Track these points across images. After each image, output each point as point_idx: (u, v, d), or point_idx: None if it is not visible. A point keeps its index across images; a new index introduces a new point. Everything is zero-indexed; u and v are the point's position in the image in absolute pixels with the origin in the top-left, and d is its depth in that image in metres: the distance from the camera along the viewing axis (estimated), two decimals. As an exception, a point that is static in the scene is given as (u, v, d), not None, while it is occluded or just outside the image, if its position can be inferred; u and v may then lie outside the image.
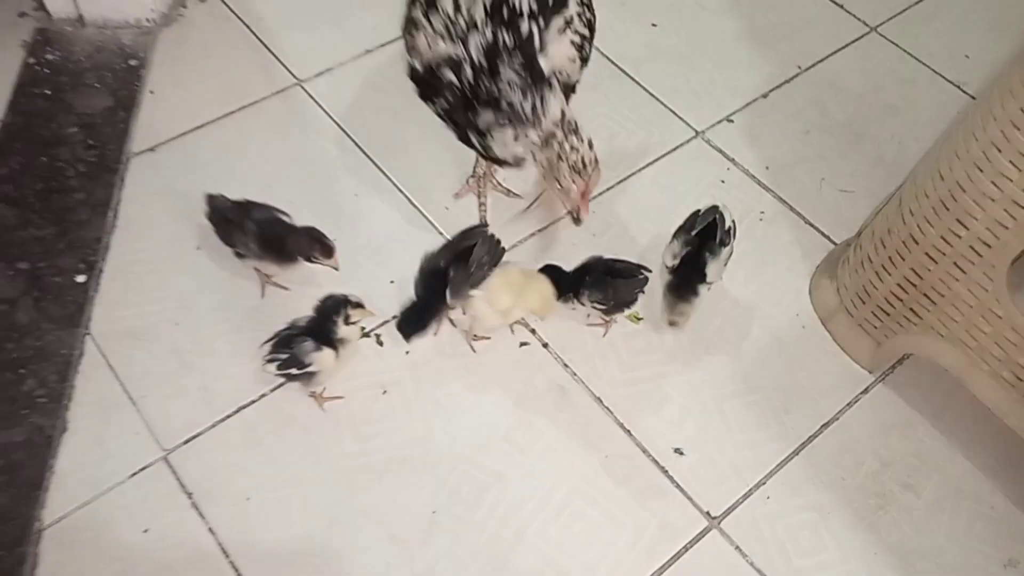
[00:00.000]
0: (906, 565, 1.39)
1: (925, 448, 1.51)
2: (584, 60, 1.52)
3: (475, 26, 1.38)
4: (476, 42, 1.38)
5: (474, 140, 1.46)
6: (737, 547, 1.39)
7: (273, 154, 1.79)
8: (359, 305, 1.42)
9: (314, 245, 1.49)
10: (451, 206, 1.75)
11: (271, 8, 2.05)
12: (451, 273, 1.44)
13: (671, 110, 1.96)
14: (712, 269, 1.52)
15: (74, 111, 1.83)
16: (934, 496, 1.47)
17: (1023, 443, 1.43)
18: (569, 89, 1.51)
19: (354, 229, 1.69)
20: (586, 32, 1.50)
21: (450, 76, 1.40)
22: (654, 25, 2.14)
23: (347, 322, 1.41)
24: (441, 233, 1.71)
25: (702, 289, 1.53)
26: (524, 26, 1.39)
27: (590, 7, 1.53)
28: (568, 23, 1.45)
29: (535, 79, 1.39)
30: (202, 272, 1.61)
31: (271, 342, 1.40)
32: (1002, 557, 1.41)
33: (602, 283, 1.50)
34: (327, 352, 1.39)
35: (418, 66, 1.44)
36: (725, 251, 1.56)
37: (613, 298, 1.51)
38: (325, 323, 1.40)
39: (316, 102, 1.89)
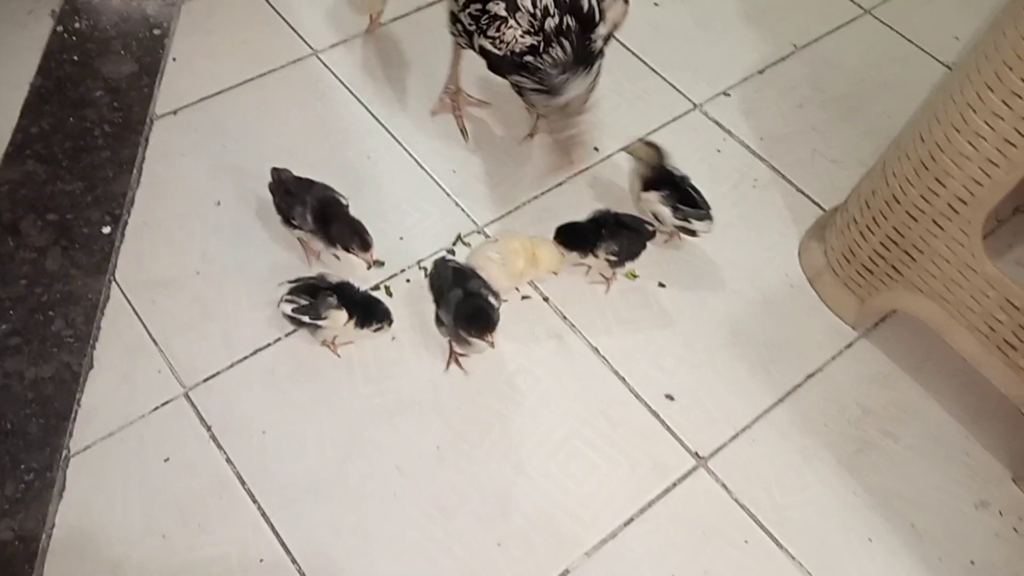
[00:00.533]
0: (884, 504, 1.47)
1: (905, 398, 1.59)
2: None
3: (549, 13, 1.52)
4: (550, 25, 1.52)
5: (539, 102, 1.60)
6: (723, 484, 1.48)
7: (290, 119, 1.88)
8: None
9: (354, 238, 1.56)
10: (457, 169, 1.83)
11: (289, -18, 2.14)
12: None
13: (671, 84, 2.05)
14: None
15: (101, 76, 1.91)
16: (912, 442, 1.55)
17: (998, 393, 1.51)
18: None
19: (366, 189, 1.78)
20: None
21: (530, 59, 1.54)
22: (656, 4, 2.22)
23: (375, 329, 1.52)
24: (448, 194, 1.79)
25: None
26: (584, 4, 1.54)
27: None
28: None
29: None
30: (223, 227, 1.70)
31: (294, 283, 1.48)
32: (974, 499, 1.49)
33: (617, 235, 1.59)
34: (343, 313, 1.47)
35: (498, 52, 1.56)
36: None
37: (626, 249, 1.60)
38: (363, 302, 1.51)
39: (331, 71, 1.97)
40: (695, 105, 2.01)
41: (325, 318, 1.46)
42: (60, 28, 2.00)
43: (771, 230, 1.81)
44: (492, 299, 1.50)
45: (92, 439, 1.44)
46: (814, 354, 1.64)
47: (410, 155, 1.85)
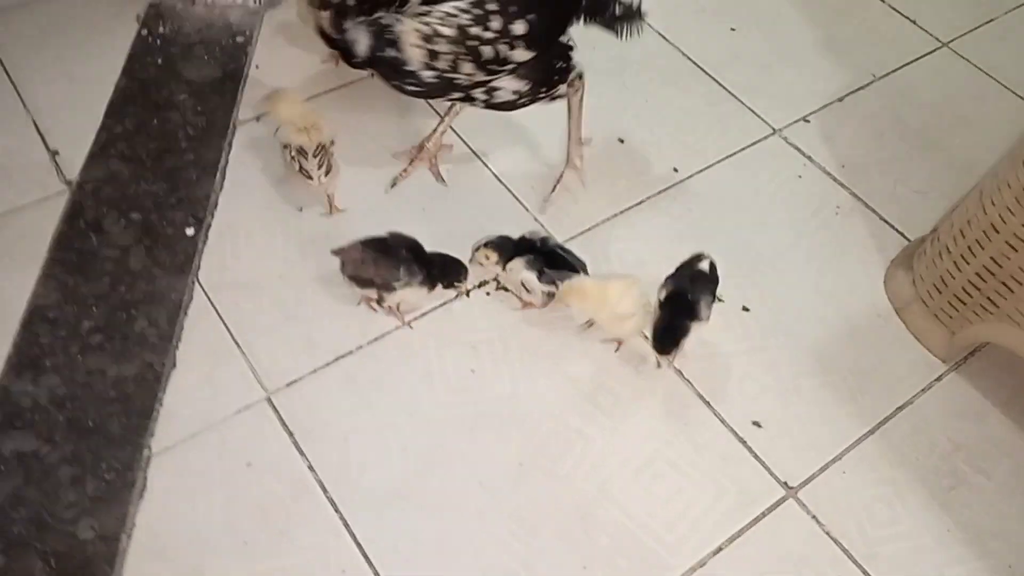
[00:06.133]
0: (979, 543, 1.43)
1: (996, 434, 1.55)
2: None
3: None
4: None
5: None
6: (814, 516, 1.44)
7: (371, 129, 1.88)
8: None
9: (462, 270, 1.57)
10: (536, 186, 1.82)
11: (369, -4, 2.15)
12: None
13: (749, 108, 2.03)
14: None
15: (184, 79, 1.92)
16: (1004, 480, 1.50)
17: (1095, 432, 1.47)
18: None
19: (448, 197, 1.78)
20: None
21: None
22: (733, 30, 2.22)
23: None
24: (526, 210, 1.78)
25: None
26: None
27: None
28: None
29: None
30: (305, 233, 1.69)
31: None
32: (1073, 541, 1.45)
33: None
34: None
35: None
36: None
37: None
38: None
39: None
40: (775, 130, 2.00)
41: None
42: (144, 32, 2.02)
43: (855, 258, 1.78)
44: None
45: (174, 440, 1.43)
46: (902, 386, 1.60)
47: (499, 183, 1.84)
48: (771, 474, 1.48)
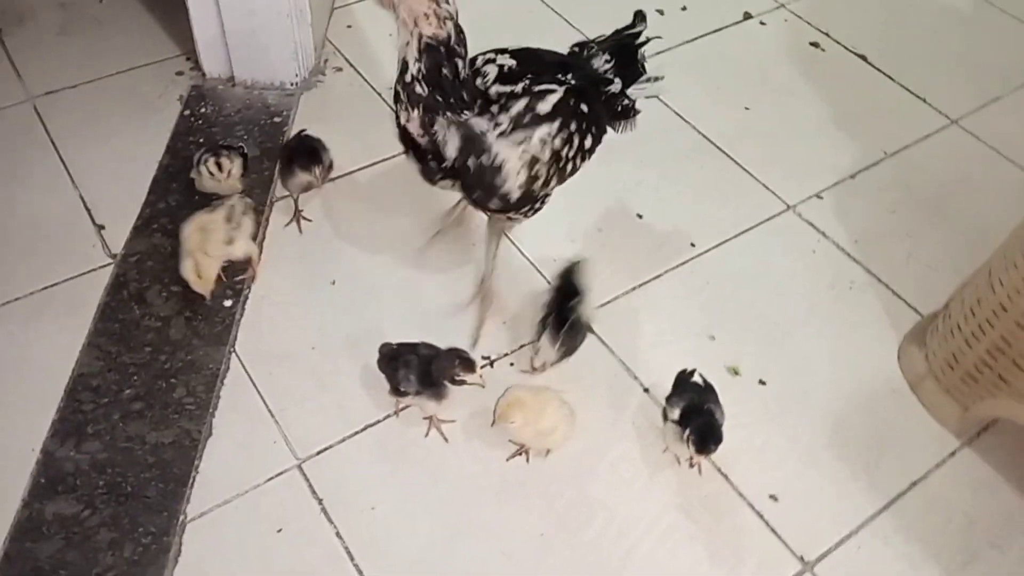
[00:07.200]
0: (995, 619, 1.45)
1: (1011, 509, 1.57)
2: None
3: None
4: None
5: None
6: (831, 590, 1.47)
7: (400, 205, 1.97)
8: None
9: (454, 361, 1.52)
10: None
11: (399, 77, 2.26)
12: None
13: (763, 184, 2.11)
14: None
15: (224, 158, 2.03)
16: (1019, 555, 1.52)
17: (1109, 509, 1.49)
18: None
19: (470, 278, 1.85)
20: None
21: None
22: (747, 108, 2.30)
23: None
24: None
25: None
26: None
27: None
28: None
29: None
30: (337, 305, 1.77)
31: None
32: (1090, 618, 1.46)
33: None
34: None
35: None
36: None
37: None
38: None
39: (438, 161, 2.07)
40: (788, 206, 2.07)
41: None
42: (187, 112, 2.14)
43: (869, 332, 1.83)
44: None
45: (209, 505, 1.49)
46: (916, 460, 1.63)
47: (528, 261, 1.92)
48: (788, 548, 1.51)
